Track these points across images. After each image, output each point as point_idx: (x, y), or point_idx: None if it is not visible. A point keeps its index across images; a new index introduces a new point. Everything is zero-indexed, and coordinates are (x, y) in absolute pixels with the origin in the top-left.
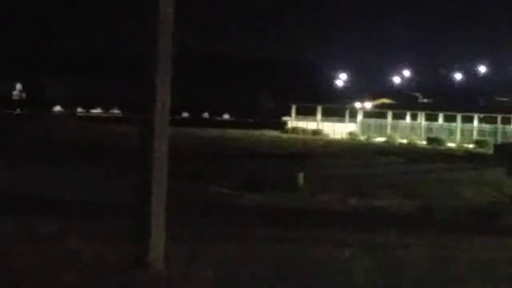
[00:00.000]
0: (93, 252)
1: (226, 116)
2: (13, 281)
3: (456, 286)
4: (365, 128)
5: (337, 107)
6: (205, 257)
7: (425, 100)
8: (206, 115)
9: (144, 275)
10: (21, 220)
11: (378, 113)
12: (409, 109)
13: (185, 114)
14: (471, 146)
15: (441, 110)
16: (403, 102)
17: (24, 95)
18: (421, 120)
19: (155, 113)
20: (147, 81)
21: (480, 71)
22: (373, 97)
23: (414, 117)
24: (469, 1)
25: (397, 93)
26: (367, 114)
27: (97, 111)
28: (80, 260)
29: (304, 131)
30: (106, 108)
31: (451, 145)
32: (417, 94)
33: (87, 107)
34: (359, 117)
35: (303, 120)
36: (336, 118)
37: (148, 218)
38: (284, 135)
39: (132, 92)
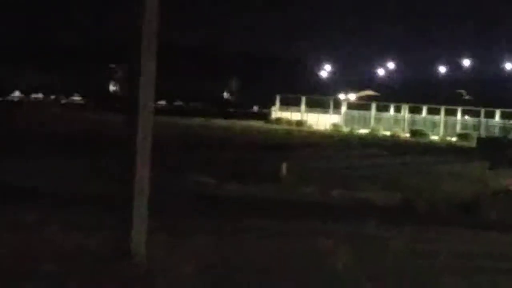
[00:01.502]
0: (74, 242)
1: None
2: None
3: (433, 278)
4: (348, 119)
5: (321, 98)
6: (185, 248)
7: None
8: (191, 104)
9: (125, 266)
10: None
11: (362, 105)
12: (393, 101)
13: (162, 102)
14: (454, 139)
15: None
16: (385, 94)
17: None
18: (405, 112)
19: (139, 103)
20: (132, 69)
21: (464, 65)
22: (357, 89)
23: (397, 110)
24: None
25: (380, 85)
26: (351, 106)
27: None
28: (61, 250)
29: (288, 121)
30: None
31: (434, 138)
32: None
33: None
34: (343, 108)
35: (287, 110)
36: (320, 109)
37: (130, 208)
38: (268, 126)
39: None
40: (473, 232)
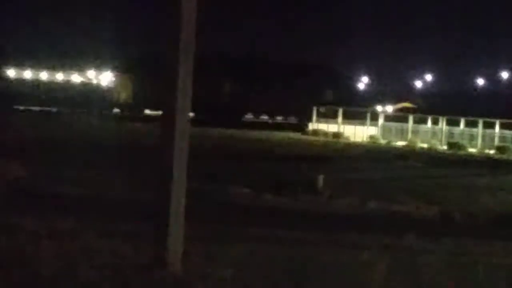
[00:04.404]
0: (111, 249)
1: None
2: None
3: None
4: (386, 131)
5: (358, 110)
6: (223, 257)
7: None
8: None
9: (161, 275)
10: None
11: (399, 117)
12: (430, 113)
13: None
14: (492, 152)
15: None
16: (423, 106)
17: None
18: (442, 125)
19: (176, 111)
20: (169, 79)
21: (502, 77)
22: (394, 101)
23: (435, 122)
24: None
25: (419, 97)
26: (388, 118)
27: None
28: (98, 258)
29: (325, 133)
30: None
31: (472, 150)
32: None
33: None
34: (380, 120)
35: (324, 122)
36: (357, 121)
37: (167, 217)
38: (305, 137)
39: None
40: (510, 245)
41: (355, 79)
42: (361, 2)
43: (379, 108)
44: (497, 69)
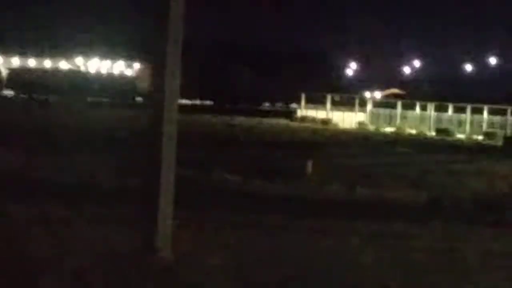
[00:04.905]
0: (102, 236)
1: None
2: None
3: (462, 277)
4: (374, 118)
5: (346, 96)
6: (211, 244)
7: None
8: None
9: (151, 261)
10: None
11: (387, 103)
12: (419, 99)
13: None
14: (480, 137)
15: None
16: (412, 93)
17: None
18: (431, 110)
19: (165, 96)
20: (158, 67)
21: (490, 63)
22: (383, 87)
23: (423, 108)
24: None
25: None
26: (377, 104)
27: None
28: (88, 245)
29: (313, 120)
30: None
31: (460, 136)
32: None
33: None
34: (369, 106)
35: (312, 109)
36: (345, 107)
37: (156, 204)
38: (294, 124)
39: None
40: (498, 230)
41: (343, 65)
42: None
43: (367, 94)
44: (484, 55)
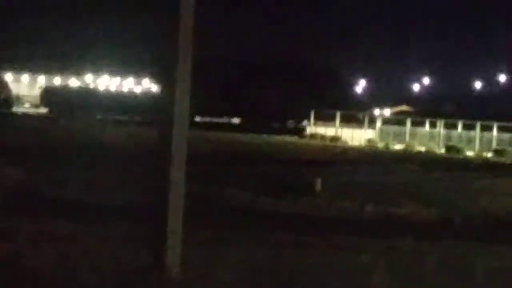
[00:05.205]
0: (110, 253)
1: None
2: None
3: None
4: (383, 135)
5: (356, 113)
6: (221, 261)
7: None
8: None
9: (159, 279)
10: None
11: (396, 120)
12: (428, 116)
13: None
14: (490, 155)
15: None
16: (422, 110)
17: None
18: (440, 128)
19: (175, 114)
20: (168, 81)
21: (500, 80)
22: (392, 104)
23: (433, 125)
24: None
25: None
26: (386, 121)
27: None
28: (96, 262)
29: (322, 137)
30: None
31: (469, 153)
32: None
33: None
34: (378, 124)
35: (321, 126)
36: (354, 124)
37: (164, 221)
38: (302, 141)
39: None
40: (509, 248)
41: (352, 82)
42: (358, 4)
43: (376, 111)
44: (494, 72)
